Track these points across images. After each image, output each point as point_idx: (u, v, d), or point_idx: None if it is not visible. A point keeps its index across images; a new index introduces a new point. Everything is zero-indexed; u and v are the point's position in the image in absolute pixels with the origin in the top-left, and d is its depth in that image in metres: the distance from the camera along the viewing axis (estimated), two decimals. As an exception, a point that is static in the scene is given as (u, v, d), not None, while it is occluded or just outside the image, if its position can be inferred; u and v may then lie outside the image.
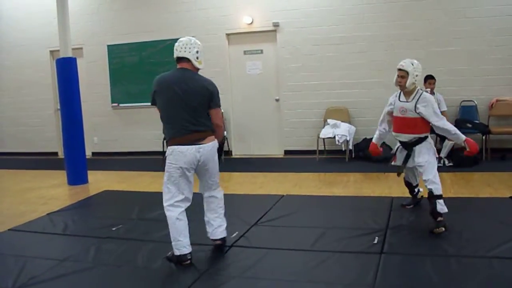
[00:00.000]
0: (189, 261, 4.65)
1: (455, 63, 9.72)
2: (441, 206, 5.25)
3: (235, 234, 5.41)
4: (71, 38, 8.88)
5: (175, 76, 4.81)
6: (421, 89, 5.58)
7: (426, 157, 5.45)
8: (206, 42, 10.86)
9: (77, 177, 8.91)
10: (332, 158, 10.21)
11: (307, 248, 5.00)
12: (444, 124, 5.38)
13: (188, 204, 4.88)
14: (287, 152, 10.90)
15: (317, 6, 10.41)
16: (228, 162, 10.56)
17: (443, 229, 5.21)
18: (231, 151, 11.23)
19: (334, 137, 9.70)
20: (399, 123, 5.65)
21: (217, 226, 5.06)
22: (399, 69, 5.51)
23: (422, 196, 6.18)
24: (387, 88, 9.89)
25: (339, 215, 6.13)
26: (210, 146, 4.75)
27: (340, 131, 9.73)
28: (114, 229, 5.90)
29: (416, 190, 6.29)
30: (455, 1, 9.73)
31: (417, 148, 5.53)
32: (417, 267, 4.39)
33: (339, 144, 9.74)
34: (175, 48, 4.88)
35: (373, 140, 6.15)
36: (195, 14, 11.16)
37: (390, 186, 7.63)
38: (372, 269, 4.34)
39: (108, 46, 11.85)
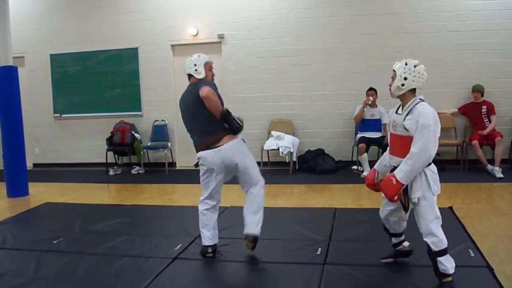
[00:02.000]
0: (210, 254, 5.07)
1: (396, 76, 9.92)
2: (445, 266, 4.03)
3: (178, 247, 5.39)
4: (12, 47, 8.70)
5: (185, 92, 5.22)
6: (420, 99, 4.27)
7: (418, 193, 4.10)
8: (151, 53, 10.90)
9: (17, 189, 8.69)
10: (276, 170, 10.26)
11: (249, 260, 5.02)
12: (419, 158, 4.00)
13: (214, 202, 5.26)
14: (231, 163, 10.87)
15: (262, 19, 10.50)
16: (172, 174, 10.52)
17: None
18: (175, 163, 11.18)
19: (278, 149, 9.75)
20: (391, 141, 4.41)
21: (247, 222, 5.16)
22: (393, 70, 4.37)
23: (409, 251, 4.74)
24: (329, 100, 10.11)
25: (282, 227, 6.16)
26: (229, 146, 4.97)
27: (284, 143, 9.79)
28: (55, 242, 5.79)
29: (398, 239, 4.73)
30: (396, 17, 9.97)
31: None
32: (360, 277, 4.46)
33: (283, 155, 9.80)
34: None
35: (375, 167, 4.79)
36: (140, 25, 11.09)
37: (333, 197, 7.73)
38: (315, 279, 4.39)
39: (51, 55, 11.65)
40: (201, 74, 5.16)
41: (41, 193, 8.91)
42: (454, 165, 9.64)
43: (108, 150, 10.86)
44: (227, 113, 4.97)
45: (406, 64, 4.28)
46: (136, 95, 11.25)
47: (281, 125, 10.38)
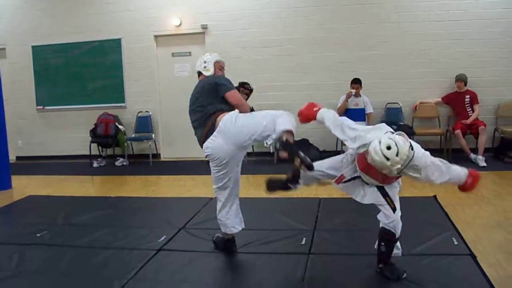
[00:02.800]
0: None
1: (380, 66, 9.95)
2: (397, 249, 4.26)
3: (163, 238, 5.39)
4: (-7, 39, 8.62)
5: (193, 90, 5.02)
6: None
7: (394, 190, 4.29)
8: (134, 44, 10.83)
9: (0, 182, 8.63)
10: (260, 160, 10.27)
11: (235, 250, 5.02)
12: None
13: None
14: (216, 154, 10.85)
15: (245, 9, 10.45)
16: (157, 165, 10.48)
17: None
18: (159, 154, 11.14)
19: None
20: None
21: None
22: None
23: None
24: (314, 90, 10.09)
25: (267, 217, 6.17)
26: (224, 120, 4.76)
27: (269, 133, 9.76)
28: (38, 235, 5.75)
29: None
30: (379, 7, 9.96)
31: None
32: (344, 266, 4.49)
33: (267, 146, 9.75)
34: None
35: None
36: (122, 15, 11.01)
37: (317, 188, 7.71)
38: (300, 269, 4.42)
39: (33, 46, 11.51)
40: (209, 71, 5.02)
41: (24, 186, 8.85)
42: (437, 154, 9.54)
43: (91, 142, 10.80)
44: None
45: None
46: (119, 86, 11.19)
47: (265, 116, 10.33)
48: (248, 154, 10.15)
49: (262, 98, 10.35)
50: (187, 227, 5.85)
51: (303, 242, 5.09)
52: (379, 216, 4.17)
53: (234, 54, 10.47)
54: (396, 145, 3.74)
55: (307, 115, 4.85)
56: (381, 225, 4.15)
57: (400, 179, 4.28)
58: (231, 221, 4.93)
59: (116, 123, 10.83)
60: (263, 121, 4.72)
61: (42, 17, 11.44)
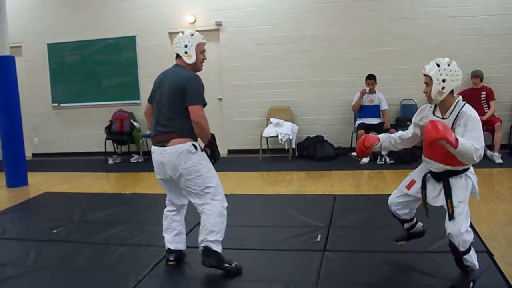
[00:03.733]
0: (171, 262, 4.64)
1: (394, 62, 9.91)
2: (470, 262, 3.91)
3: (178, 235, 5.39)
4: (9, 36, 8.66)
5: (165, 73, 4.59)
6: (463, 100, 3.94)
7: (461, 196, 3.96)
8: (148, 42, 10.86)
9: (16, 179, 8.68)
10: (275, 157, 10.26)
11: (250, 247, 5.03)
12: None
13: (173, 207, 4.85)
14: (230, 151, 10.90)
15: (259, 5, 10.45)
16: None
17: None
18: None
19: (277, 136, 9.74)
20: (429, 145, 3.93)
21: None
22: (424, 75, 3.95)
23: (422, 231, 4.65)
24: (328, 87, 10.10)
25: (282, 214, 6.16)
26: (173, 149, 4.27)
27: (283, 130, 9.78)
28: (55, 231, 5.80)
29: (411, 224, 4.55)
30: (393, 2, 9.93)
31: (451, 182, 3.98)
32: (359, 263, 4.48)
33: (282, 143, 9.79)
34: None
35: (379, 136, 4.45)
36: (137, 13, 11.04)
37: (332, 184, 7.73)
38: (315, 266, 4.41)
39: (48, 44, 11.60)
40: (191, 58, 4.46)
41: (40, 183, 8.91)
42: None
43: (107, 139, 10.85)
44: (213, 139, 4.47)
45: (438, 65, 3.91)
46: (134, 83, 11.23)
47: (280, 112, 10.36)
48: (263, 151, 10.18)
49: (277, 95, 10.37)
50: (202, 223, 5.85)
51: (318, 239, 5.08)
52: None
53: (248, 51, 10.49)
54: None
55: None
56: None
57: (474, 177, 4.09)
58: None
59: (131, 120, 10.87)
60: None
61: (57, 15, 11.51)
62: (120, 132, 10.76)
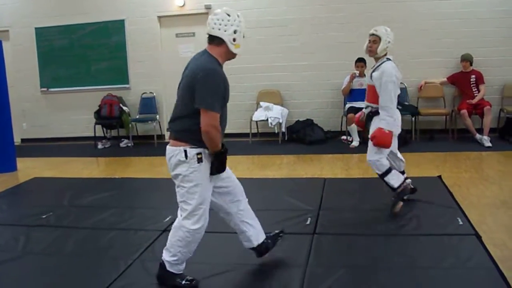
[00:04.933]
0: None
1: (385, 46, 9.89)
2: (391, 183, 5.21)
3: (168, 219, 5.37)
4: (-4, 21, 8.59)
5: (198, 56, 3.92)
6: (388, 58, 5.34)
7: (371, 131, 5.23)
8: (137, 25, 10.80)
9: (5, 165, 8.62)
10: (265, 140, 10.26)
11: (240, 231, 5.03)
12: (383, 108, 5.09)
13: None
14: (220, 135, 10.86)
15: (249, -12, 10.40)
16: (161, 146, 10.35)
17: (401, 203, 5.21)
18: (164, 135, 11.12)
19: (267, 119, 9.71)
20: (367, 90, 5.53)
21: None
22: (371, 34, 5.37)
23: (414, 188, 5.68)
24: (317, 71, 10.08)
25: (272, 197, 6.17)
26: (169, 151, 3.80)
27: (273, 114, 9.75)
28: (44, 216, 5.78)
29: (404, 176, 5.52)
30: (384, -15, 9.90)
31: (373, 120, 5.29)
32: (348, 246, 4.50)
33: (272, 126, 9.78)
34: (207, 22, 3.80)
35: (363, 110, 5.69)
36: (125, -4, 10.97)
37: (322, 168, 7.74)
38: (304, 249, 4.44)
39: (36, 28, 11.47)
40: (239, 48, 3.91)
41: (29, 168, 8.87)
42: (443, 134, 9.68)
43: (96, 123, 10.79)
44: (222, 153, 3.80)
45: (386, 30, 5.36)
46: (123, 67, 11.16)
47: (269, 96, 10.33)
48: (253, 134, 10.17)
49: (266, 78, 10.34)
50: (192, 208, 5.85)
51: (308, 222, 5.10)
52: None
53: (238, 35, 10.42)
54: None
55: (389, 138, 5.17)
56: None
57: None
58: None
59: (121, 105, 10.81)
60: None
61: (45, -1, 11.40)
62: (110, 116, 10.71)
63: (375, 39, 5.30)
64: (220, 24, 3.68)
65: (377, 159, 5.20)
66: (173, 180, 3.86)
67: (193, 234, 3.82)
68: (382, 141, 5.07)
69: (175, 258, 3.84)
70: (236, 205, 4.15)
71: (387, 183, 5.25)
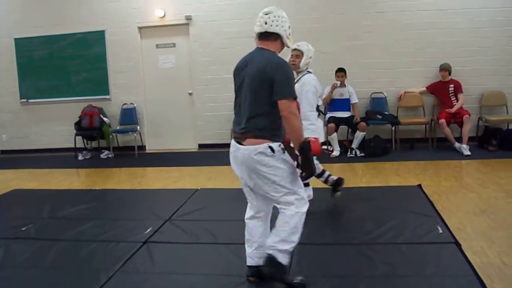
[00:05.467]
0: (251, 278, 4.05)
1: (365, 56, 9.96)
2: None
3: (149, 230, 5.38)
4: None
5: (248, 58, 4.04)
6: (309, 71, 5.77)
7: None
8: (118, 36, 10.79)
9: (-16, 176, 8.58)
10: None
11: (222, 241, 5.03)
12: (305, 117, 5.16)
13: (258, 214, 4.09)
14: (201, 145, 10.88)
15: (229, 0, 10.43)
16: (142, 157, 10.46)
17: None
18: (144, 146, 11.11)
19: (248, 129, 9.70)
20: None
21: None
22: (294, 49, 5.68)
23: (340, 178, 6.05)
24: (299, 81, 10.03)
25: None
26: (251, 149, 3.76)
27: (254, 124, 9.75)
28: (24, 229, 5.72)
29: (324, 177, 6.05)
30: (365, -4, 10.00)
31: None
32: (329, 255, 4.51)
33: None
34: (258, 21, 4.00)
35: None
36: (106, 7, 10.93)
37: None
38: (285, 260, 4.41)
39: (16, 39, 11.41)
40: (291, 41, 4.04)
41: (9, 179, 8.80)
42: (422, 143, 9.76)
43: (76, 134, 10.74)
44: (308, 146, 3.71)
45: (308, 46, 5.75)
46: (103, 78, 11.13)
47: (250, 107, 10.31)
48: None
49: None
50: (173, 218, 5.84)
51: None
52: None
53: (219, 45, 10.48)
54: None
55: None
56: None
57: None
58: None
59: (101, 115, 10.78)
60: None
61: (25, 9, 11.34)
62: (90, 127, 10.67)
63: (298, 54, 5.66)
64: (277, 21, 3.91)
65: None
66: (258, 181, 3.80)
67: (304, 216, 3.89)
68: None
69: (292, 245, 3.85)
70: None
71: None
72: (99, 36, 11.02)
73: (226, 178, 8.14)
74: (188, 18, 10.57)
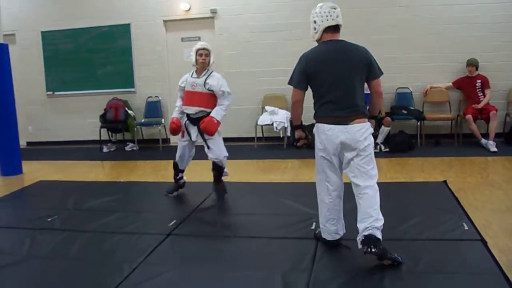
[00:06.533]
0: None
1: (390, 51, 9.85)
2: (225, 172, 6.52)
3: (173, 223, 5.38)
4: (3, 24, 8.61)
5: (328, 51, 4.52)
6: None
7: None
8: (143, 29, 10.83)
9: (11, 168, 8.65)
10: (270, 145, 10.26)
11: (245, 235, 5.02)
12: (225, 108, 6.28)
13: (336, 191, 4.55)
14: (225, 139, 10.78)
15: (254, -7, 10.43)
16: (166, 150, 10.48)
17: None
18: (169, 139, 11.14)
19: (272, 124, 9.73)
20: (190, 96, 6.17)
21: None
22: (203, 49, 6.12)
23: (184, 182, 6.72)
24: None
25: (277, 202, 6.15)
26: (360, 126, 4.22)
27: (278, 118, 9.76)
28: (49, 220, 5.77)
29: (181, 175, 6.65)
30: (389, -10, 9.91)
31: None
32: (353, 251, 4.47)
33: (277, 131, 9.78)
34: (323, 14, 4.61)
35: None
36: (131, 0, 10.99)
37: (327, 172, 7.71)
38: (309, 254, 4.40)
39: (42, 32, 11.54)
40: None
41: (35, 171, 8.89)
42: (448, 139, 9.67)
43: (101, 127, 10.83)
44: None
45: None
46: (129, 71, 11.19)
47: (275, 100, 10.34)
48: (258, 139, 10.18)
49: (272, 83, 10.34)
50: (197, 211, 5.86)
51: (313, 227, 5.07)
52: None
53: (243, 39, 10.48)
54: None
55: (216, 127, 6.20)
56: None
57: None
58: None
59: (126, 108, 10.85)
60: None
61: (51, 3, 11.46)
62: (115, 120, 10.75)
63: (207, 53, 6.12)
64: (338, 15, 4.54)
65: (227, 155, 6.39)
66: (357, 157, 4.22)
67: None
68: (210, 127, 6.00)
69: (382, 221, 4.18)
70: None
71: (221, 174, 6.51)
72: (124, 29, 11.08)
73: (250, 171, 8.16)
74: (213, 11, 10.58)
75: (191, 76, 6.24)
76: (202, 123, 5.98)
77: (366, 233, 4.08)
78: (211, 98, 6.10)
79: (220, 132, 6.31)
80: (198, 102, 6.08)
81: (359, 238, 4.15)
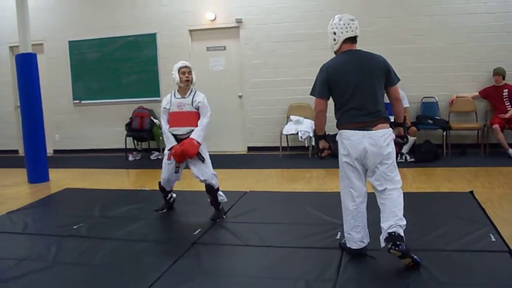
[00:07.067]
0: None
1: (416, 60, 9.83)
2: (221, 197, 6.01)
3: (198, 231, 5.39)
4: (31, 34, 8.72)
5: (352, 59, 4.54)
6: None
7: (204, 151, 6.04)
8: (169, 39, 10.91)
9: (38, 175, 8.75)
10: (295, 154, 10.25)
11: (270, 244, 5.00)
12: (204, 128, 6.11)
13: (360, 197, 4.61)
14: (250, 148, 10.91)
15: (280, 2, 10.44)
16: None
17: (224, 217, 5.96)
18: (194, 148, 11.19)
19: (297, 133, 9.72)
20: (176, 117, 6.07)
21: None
22: (186, 66, 6.05)
23: (174, 200, 6.58)
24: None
25: (302, 211, 6.13)
26: (384, 132, 4.35)
27: (303, 128, 9.76)
28: (75, 227, 5.81)
29: (172, 194, 6.54)
30: (415, -1, 9.87)
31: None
32: (378, 261, 4.44)
33: (302, 140, 9.77)
34: (343, 26, 4.62)
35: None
36: (157, 10, 11.09)
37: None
38: (334, 264, 4.38)
39: (70, 42, 11.69)
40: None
41: (61, 179, 8.97)
42: (474, 149, 9.58)
43: (127, 135, 10.91)
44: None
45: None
46: (154, 80, 11.27)
47: (300, 110, 10.33)
48: (283, 148, 10.18)
49: (297, 92, 10.34)
50: (222, 220, 5.86)
51: (338, 236, 5.05)
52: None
53: (268, 48, 10.50)
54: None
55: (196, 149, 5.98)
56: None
57: None
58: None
59: (151, 117, 10.92)
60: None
61: (78, 13, 11.60)
62: (140, 129, 10.82)
63: (189, 71, 6.05)
64: (356, 26, 4.59)
65: (214, 173, 6.04)
66: (381, 164, 4.33)
67: None
68: (190, 148, 5.85)
69: (405, 221, 4.30)
70: None
71: (216, 197, 6.00)
72: (150, 39, 11.17)
73: (275, 181, 8.15)
74: (239, 21, 10.63)
75: (175, 96, 6.12)
76: (181, 145, 5.87)
77: (390, 230, 4.17)
78: (197, 117, 6.02)
79: (206, 150, 6.18)
80: (188, 122, 6.00)
81: (383, 236, 4.23)
